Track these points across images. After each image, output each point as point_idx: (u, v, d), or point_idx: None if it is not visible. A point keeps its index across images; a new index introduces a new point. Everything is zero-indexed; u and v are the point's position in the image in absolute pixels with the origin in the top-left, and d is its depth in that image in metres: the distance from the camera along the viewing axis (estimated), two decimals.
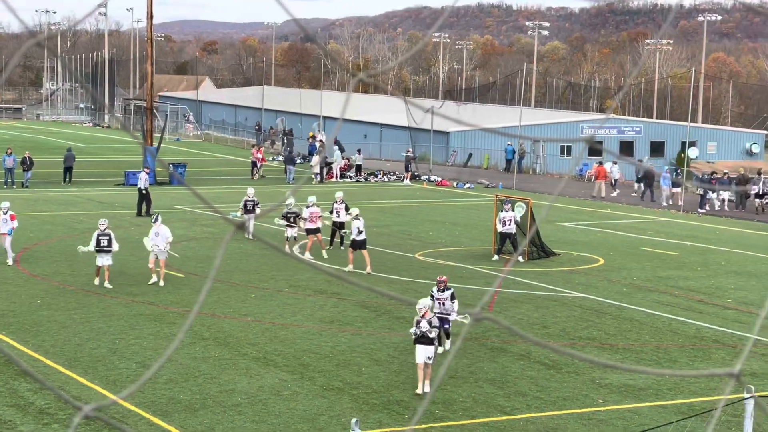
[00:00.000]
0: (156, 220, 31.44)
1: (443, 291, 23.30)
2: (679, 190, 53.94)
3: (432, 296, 23.28)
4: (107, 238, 29.88)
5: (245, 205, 38.05)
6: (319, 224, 35.74)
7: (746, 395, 11.84)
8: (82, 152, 71.25)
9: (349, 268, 33.09)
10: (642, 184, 57.50)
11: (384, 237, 40.57)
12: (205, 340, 24.57)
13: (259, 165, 62.94)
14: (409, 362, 23.01)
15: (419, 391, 20.69)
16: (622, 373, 22.69)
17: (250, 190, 38.98)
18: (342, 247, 36.60)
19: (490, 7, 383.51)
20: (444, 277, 23.82)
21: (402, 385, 21.42)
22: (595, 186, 58.60)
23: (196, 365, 22.50)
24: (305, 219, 35.82)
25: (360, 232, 33.23)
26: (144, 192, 45.30)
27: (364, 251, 33.31)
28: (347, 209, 36.42)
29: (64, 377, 21.44)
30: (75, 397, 20.20)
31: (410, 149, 67.51)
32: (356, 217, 33.68)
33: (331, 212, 36.77)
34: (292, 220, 36.26)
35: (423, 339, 20.65)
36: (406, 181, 63.13)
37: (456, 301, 23.41)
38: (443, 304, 23.19)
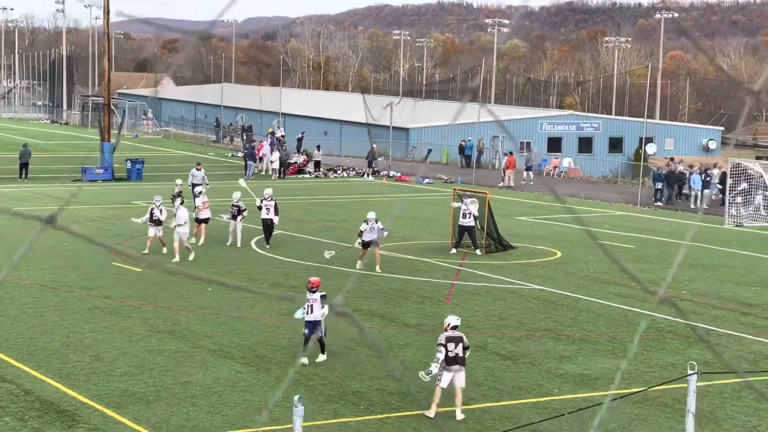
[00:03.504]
0: (179, 199, 35.01)
1: (314, 292, 22.06)
2: (708, 192, 52.15)
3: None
4: (159, 211, 34.10)
5: (231, 210, 37.02)
6: (208, 215, 36.56)
7: (690, 372, 11.91)
8: (39, 149, 70.71)
9: (201, 241, 36.08)
10: (661, 185, 54.75)
11: (342, 231, 40.54)
12: (160, 333, 24.45)
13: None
14: (364, 353, 23.01)
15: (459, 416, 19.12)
16: (578, 363, 22.79)
17: (236, 195, 37.10)
18: (268, 246, 36.40)
19: (450, 5, 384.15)
20: (315, 279, 22.72)
21: (358, 377, 21.39)
22: (505, 175, 60.54)
23: (152, 358, 22.39)
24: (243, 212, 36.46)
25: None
26: (192, 187, 45.19)
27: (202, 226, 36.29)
28: (276, 209, 36.37)
29: (17, 371, 21.24)
30: (27, 390, 20.04)
31: (374, 145, 67.69)
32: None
33: (260, 208, 36.45)
34: (235, 214, 36.40)
35: (456, 360, 19.15)
36: (369, 177, 63.20)
37: (326, 306, 21.90)
38: (312, 306, 21.98)
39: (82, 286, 29.38)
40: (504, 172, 61.34)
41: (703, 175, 53.43)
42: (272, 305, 27.61)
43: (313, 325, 22.00)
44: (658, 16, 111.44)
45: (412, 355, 23.13)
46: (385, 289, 30.08)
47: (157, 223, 34.31)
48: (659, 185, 53.90)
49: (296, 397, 12.06)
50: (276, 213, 36.38)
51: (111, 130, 61.09)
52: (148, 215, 34.57)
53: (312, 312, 21.99)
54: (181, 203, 34.84)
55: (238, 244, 36.45)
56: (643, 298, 29.73)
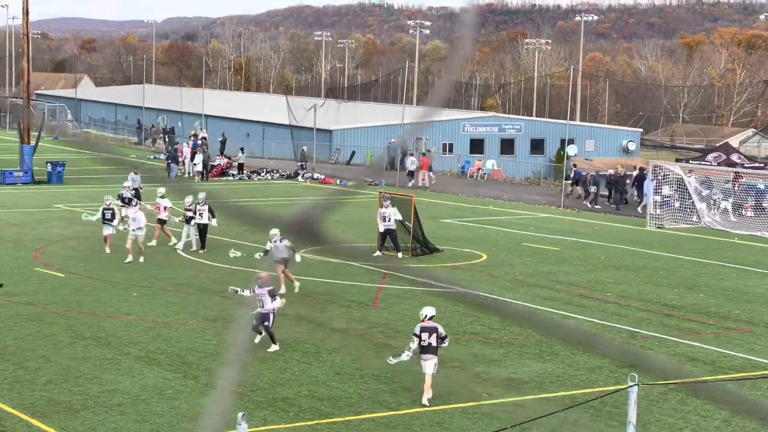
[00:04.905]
0: (136, 204, 35.16)
1: (261, 287, 23.54)
2: (658, 198, 49.23)
3: (252, 291, 23.73)
4: (111, 212, 35.09)
5: (185, 214, 36.39)
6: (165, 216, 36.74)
7: (630, 384, 12.01)
8: None
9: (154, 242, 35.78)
10: (595, 188, 54.30)
11: (268, 234, 40.27)
12: (85, 340, 24.11)
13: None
14: (293, 359, 22.95)
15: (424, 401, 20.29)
16: (506, 367, 22.90)
17: (188, 199, 36.61)
18: (203, 251, 35.95)
19: (371, 6, 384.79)
20: (264, 274, 24.33)
21: (287, 383, 21.30)
22: (420, 175, 61.62)
23: (77, 365, 22.07)
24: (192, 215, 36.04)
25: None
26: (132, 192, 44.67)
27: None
28: (211, 212, 35.97)
29: None
30: None
31: (305, 147, 67.65)
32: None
33: (194, 213, 36.07)
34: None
35: (428, 349, 20.36)
36: (302, 179, 63.11)
37: (277, 298, 23.79)
38: (262, 301, 23.43)
39: (4, 293, 28.87)
40: (415, 173, 61.76)
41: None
42: (198, 311, 27.39)
43: (262, 318, 23.32)
44: (577, 18, 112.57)
45: (341, 360, 23.08)
46: (311, 293, 29.99)
47: (110, 223, 35.10)
48: (593, 189, 53.96)
49: (240, 414, 11.94)
50: (213, 216, 36.06)
51: (30, 132, 60.16)
52: (99, 215, 35.29)
53: (263, 306, 23.33)
54: (137, 206, 35.16)
55: (193, 247, 36.18)
56: (569, 300, 30.01)
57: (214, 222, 36.03)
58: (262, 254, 30.54)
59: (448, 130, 78.89)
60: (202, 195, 36.38)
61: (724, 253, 40.00)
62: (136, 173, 46.69)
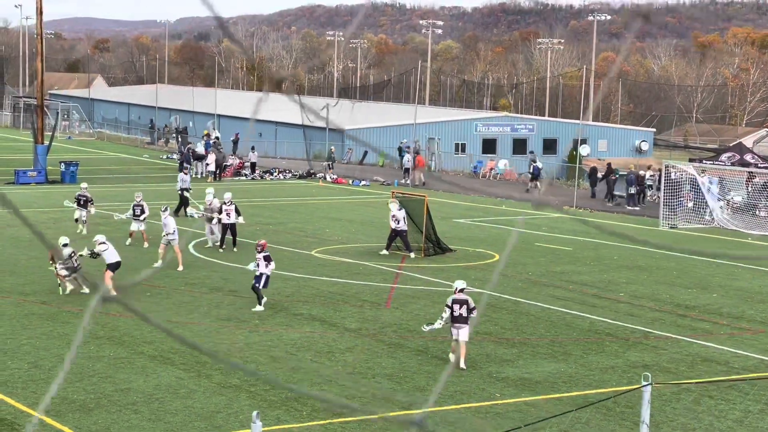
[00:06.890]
0: (165, 209, 34.59)
1: (260, 252, 27.41)
2: (723, 203, 48.24)
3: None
4: (140, 207, 36.70)
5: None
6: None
7: (644, 383, 12.01)
8: None
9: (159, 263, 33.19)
10: (635, 190, 53.94)
11: (280, 234, 40.41)
12: (99, 339, 24.18)
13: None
14: (306, 359, 23.00)
15: (462, 365, 22.38)
16: (519, 367, 22.91)
17: (227, 195, 36.76)
18: (234, 249, 36.15)
19: (384, 6, 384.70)
20: (263, 241, 28.32)
21: (300, 382, 21.33)
22: (416, 174, 62.07)
23: (91, 364, 22.13)
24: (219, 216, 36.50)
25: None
26: (180, 192, 44.65)
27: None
28: (237, 210, 36.33)
29: None
30: None
31: (333, 147, 67.79)
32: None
33: (220, 212, 36.27)
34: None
35: (459, 319, 22.31)
36: (329, 177, 63.14)
37: (272, 262, 27.62)
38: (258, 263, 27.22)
39: (19, 292, 29.00)
40: (411, 170, 62.04)
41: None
42: (211, 310, 27.47)
43: (257, 278, 27.30)
44: (590, 18, 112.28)
45: (353, 359, 23.11)
46: (324, 293, 30.04)
47: (139, 219, 36.63)
48: (632, 189, 53.52)
49: (254, 413, 11.99)
50: (239, 214, 36.50)
51: (44, 132, 60.35)
52: (130, 211, 37.09)
53: (258, 267, 27.23)
54: (166, 210, 34.85)
55: (209, 244, 36.78)
56: (582, 300, 29.99)
57: (241, 220, 36.50)
58: (89, 253, 28.98)
59: (461, 130, 78.92)
60: (228, 195, 36.62)
61: (738, 253, 39.93)
62: (186, 173, 46.21)
